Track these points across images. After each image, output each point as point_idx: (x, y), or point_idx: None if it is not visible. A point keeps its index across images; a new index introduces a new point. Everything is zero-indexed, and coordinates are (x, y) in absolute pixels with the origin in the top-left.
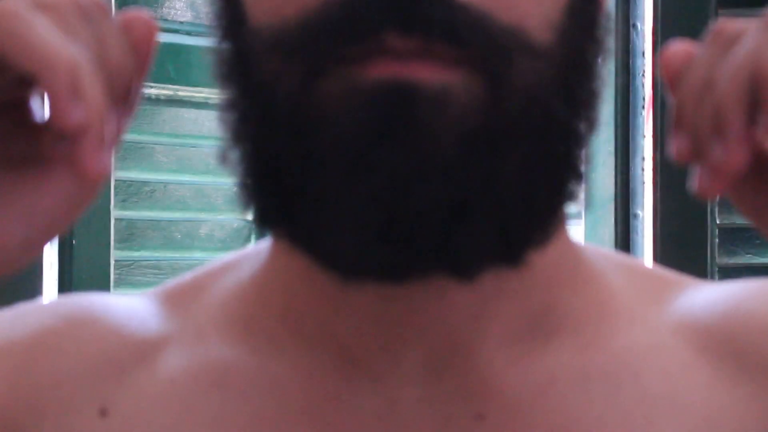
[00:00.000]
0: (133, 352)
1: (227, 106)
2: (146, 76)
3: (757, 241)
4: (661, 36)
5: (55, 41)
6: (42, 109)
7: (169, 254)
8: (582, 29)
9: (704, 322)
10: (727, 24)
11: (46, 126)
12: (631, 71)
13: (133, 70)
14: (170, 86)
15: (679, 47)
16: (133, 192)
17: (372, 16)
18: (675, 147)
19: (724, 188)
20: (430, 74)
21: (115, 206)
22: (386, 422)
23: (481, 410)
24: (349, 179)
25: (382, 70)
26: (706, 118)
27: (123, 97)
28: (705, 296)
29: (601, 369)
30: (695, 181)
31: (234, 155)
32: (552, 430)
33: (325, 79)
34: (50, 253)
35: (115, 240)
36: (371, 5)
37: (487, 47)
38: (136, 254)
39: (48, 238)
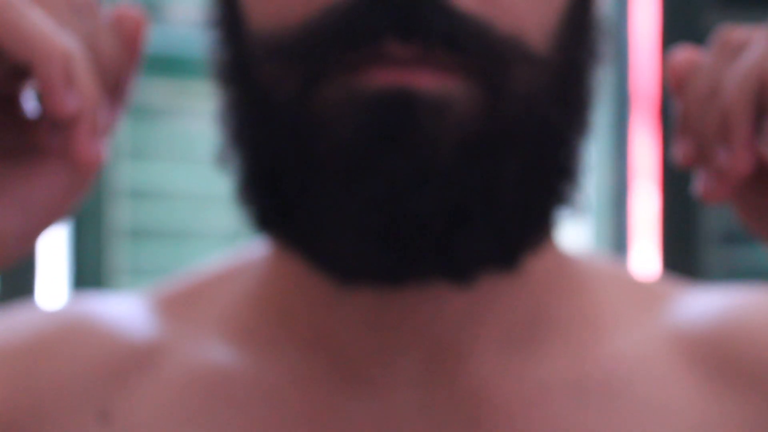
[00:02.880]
0: (132, 359)
1: (227, 109)
2: (136, 69)
3: (755, 243)
4: (661, 37)
5: (49, 31)
6: (33, 103)
7: (169, 255)
8: (578, 36)
9: (694, 332)
10: (733, 32)
11: (39, 118)
12: (630, 72)
13: (123, 63)
14: (172, 88)
15: (685, 54)
16: (134, 193)
17: (372, 23)
18: (680, 151)
19: (728, 193)
20: (429, 81)
21: (115, 207)
22: (382, 428)
23: (474, 417)
24: (348, 184)
25: (382, 78)
26: (711, 124)
27: (114, 90)
28: (695, 306)
29: (592, 378)
30: (699, 186)
31: (233, 158)
32: None
33: (325, 85)
34: (51, 254)
35: (115, 240)
36: (371, 12)
37: (486, 55)
38: (137, 255)
39: (43, 230)
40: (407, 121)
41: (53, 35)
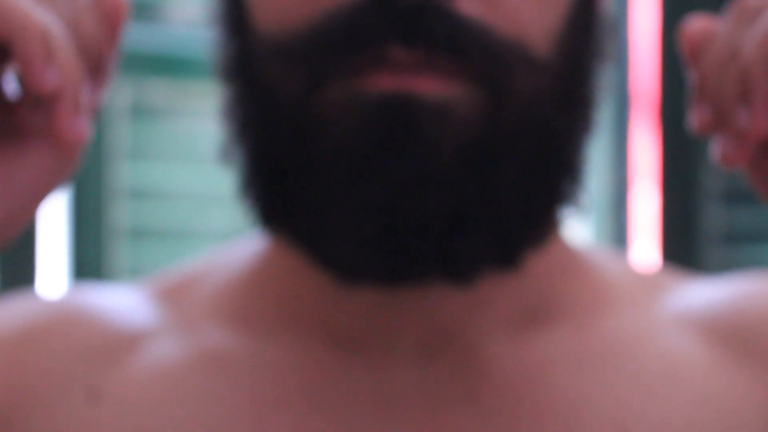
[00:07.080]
0: (123, 341)
1: (230, 107)
2: (117, 48)
3: (756, 241)
4: (661, 37)
5: (27, 7)
6: (15, 84)
7: (169, 255)
8: (581, 39)
9: (705, 308)
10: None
11: (21, 99)
12: (630, 72)
13: (104, 43)
14: (172, 88)
15: (699, 22)
16: (134, 193)
17: (376, 28)
18: (697, 118)
19: (747, 157)
20: (432, 87)
21: (115, 207)
22: (381, 403)
23: (474, 392)
24: (349, 187)
25: (385, 82)
26: (730, 87)
27: (96, 69)
28: (705, 288)
29: (597, 351)
30: (718, 151)
31: (237, 155)
32: (546, 411)
33: (328, 88)
34: (51, 254)
35: (115, 240)
36: (375, 17)
37: (489, 60)
38: (137, 255)
39: (30, 212)
40: (409, 126)
41: (31, 11)
